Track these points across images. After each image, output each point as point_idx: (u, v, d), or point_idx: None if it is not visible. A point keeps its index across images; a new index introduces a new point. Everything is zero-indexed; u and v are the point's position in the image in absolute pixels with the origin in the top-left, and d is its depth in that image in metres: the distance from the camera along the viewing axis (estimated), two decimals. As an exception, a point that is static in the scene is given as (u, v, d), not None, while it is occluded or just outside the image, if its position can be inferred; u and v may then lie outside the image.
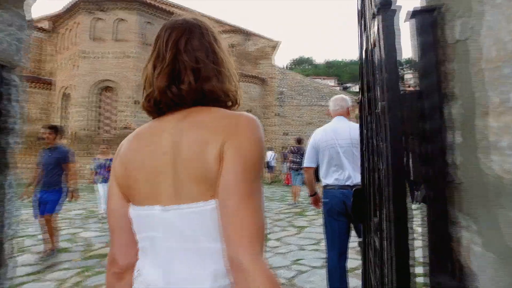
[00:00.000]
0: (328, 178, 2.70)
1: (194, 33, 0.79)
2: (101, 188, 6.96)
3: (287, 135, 21.35)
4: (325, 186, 2.74)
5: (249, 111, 18.62)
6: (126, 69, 15.70)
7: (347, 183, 2.58)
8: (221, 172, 0.66)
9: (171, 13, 16.54)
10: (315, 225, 6.36)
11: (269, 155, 15.92)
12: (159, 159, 0.72)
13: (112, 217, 0.80)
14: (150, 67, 0.79)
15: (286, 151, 15.64)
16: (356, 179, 2.52)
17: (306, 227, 6.33)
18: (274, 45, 20.89)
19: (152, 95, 0.77)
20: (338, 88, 40.29)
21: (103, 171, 6.94)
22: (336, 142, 2.67)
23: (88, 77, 15.50)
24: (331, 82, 44.10)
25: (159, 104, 0.77)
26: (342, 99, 2.88)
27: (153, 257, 0.73)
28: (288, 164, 13.97)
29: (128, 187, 0.76)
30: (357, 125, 2.71)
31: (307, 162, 2.89)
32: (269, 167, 15.82)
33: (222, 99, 0.79)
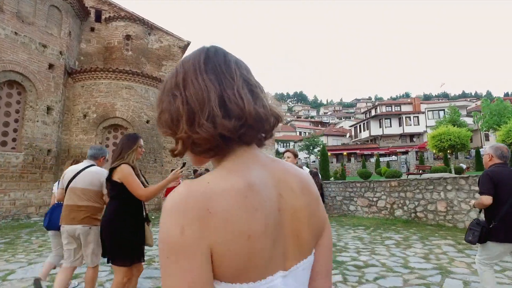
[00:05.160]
0: None
1: None
2: None
3: (193, 156, 17.36)
4: None
5: (147, 122, 14.12)
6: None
7: None
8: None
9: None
10: None
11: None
12: (277, 218, 0.62)
13: None
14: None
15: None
16: None
17: None
18: (183, 45, 17.07)
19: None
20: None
21: None
22: None
23: None
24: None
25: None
26: None
27: None
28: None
29: (243, 263, 0.56)
30: None
31: None
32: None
33: None
